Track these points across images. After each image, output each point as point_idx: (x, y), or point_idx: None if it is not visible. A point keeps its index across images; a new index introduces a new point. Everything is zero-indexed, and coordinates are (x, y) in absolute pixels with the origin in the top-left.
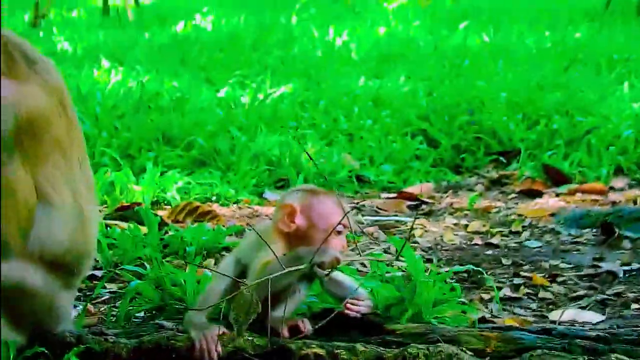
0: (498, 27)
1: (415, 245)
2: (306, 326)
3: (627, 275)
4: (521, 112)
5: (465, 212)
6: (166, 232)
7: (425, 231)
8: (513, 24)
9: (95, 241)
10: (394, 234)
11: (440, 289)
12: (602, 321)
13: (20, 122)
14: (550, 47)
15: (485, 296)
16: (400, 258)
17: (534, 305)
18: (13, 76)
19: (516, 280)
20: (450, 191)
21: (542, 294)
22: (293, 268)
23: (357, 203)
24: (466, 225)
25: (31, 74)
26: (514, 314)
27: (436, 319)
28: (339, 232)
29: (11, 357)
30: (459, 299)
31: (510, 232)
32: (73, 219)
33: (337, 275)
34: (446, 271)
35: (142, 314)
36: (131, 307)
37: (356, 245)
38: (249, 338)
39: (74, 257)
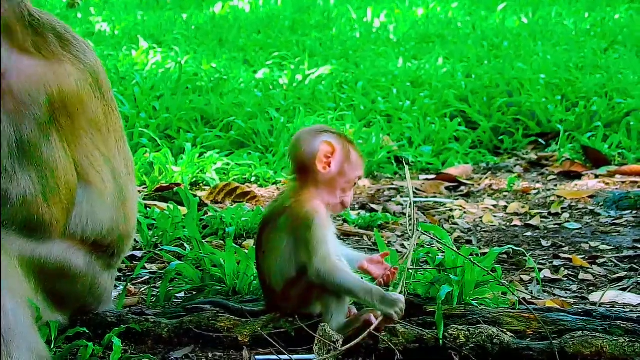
0: (537, 8)
1: (455, 226)
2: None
3: None
4: (560, 94)
5: (504, 193)
6: (205, 213)
7: (465, 212)
8: (552, 5)
9: (135, 222)
10: (434, 216)
11: (481, 271)
12: None
13: (52, 100)
14: (589, 29)
15: (525, 278)
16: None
17: (574, 287)
18: (45, 56)
19: (556, 262)
20: (489, 173)
21: (582, 276)
22: None
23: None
24: (505, 207)
25: (64, 54)
26: (554, 295)
27: (476, 301)
28: (354, 185)
29: (53, 337)
30: (500, 281)
31: (550, 214)
32: (113, 199)
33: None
34: (483, 254)
35: (182, 294)
36: (171, 288)
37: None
38: (290, 319)
39: (115, 238)
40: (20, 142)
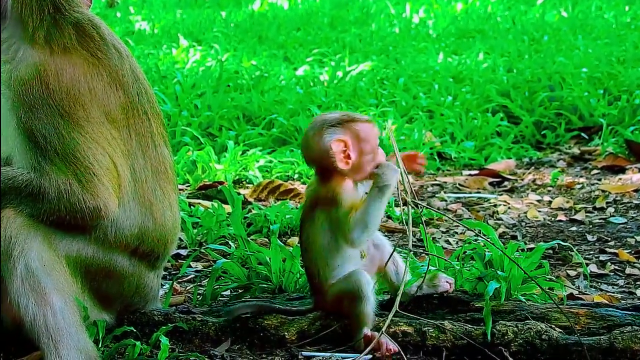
0: (576, 2)
1: (500, 222)
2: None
3: None
4: (602, 88)
5: (548, 188)
6: (249, 211)
7: (509, 208)
8: None
9: (172, 226)
10: (478, 211)
11: (528, 266)
12: None
13: (52, 87)
14: (630, 22)
15: (572, 273)
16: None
17: (620, 282)
18: (52, 47)
19: (602, 257)
20: (532, 167)
21: (628, 270)
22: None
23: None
24: (549, 202)
25: (78, 48)
26: (601, 290)
27: (524, 296)
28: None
29: (100, 336)
30: (547, 276)
31: (595, 208)
32: (129, 199)
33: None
34: (530, 249)
35: (227, 292)
36: (217, 286)
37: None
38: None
39: (149, 243)
40: (37, 135)
